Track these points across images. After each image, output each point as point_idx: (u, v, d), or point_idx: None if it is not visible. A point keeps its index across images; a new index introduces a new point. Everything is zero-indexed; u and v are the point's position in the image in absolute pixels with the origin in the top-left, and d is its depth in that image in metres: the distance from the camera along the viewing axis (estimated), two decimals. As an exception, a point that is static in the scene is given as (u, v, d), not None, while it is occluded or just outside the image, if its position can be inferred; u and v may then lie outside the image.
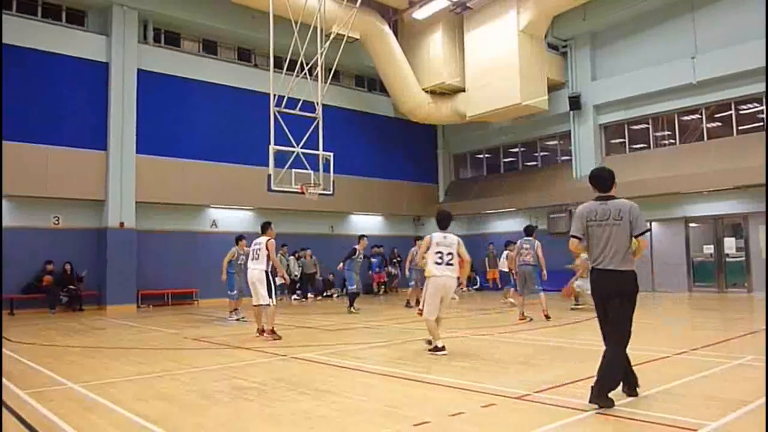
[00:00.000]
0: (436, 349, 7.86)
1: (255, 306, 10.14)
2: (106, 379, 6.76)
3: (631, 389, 5.18)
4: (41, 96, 16.34)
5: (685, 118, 19.09)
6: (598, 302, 5.23)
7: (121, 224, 17.19)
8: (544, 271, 12.29)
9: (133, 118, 17.58)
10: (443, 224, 8.29)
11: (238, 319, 13.22)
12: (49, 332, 11.67)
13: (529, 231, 12.66)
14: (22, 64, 16.08)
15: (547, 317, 11.84)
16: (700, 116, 18.68)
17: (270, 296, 9.86)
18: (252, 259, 10.08)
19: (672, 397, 5.28)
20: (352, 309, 14.77)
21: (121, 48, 17.50)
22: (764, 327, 10.07)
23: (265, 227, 10.40)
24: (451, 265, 7.96)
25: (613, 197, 5.25)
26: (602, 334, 5.26)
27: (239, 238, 13.39)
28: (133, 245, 17.37)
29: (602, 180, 5.34)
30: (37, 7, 16.91)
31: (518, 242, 12.53)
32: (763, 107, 17.26)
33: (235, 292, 13.44)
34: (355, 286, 15.10)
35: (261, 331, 10.09)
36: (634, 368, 5.31)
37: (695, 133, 18.79)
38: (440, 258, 7.95)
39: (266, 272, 9.88)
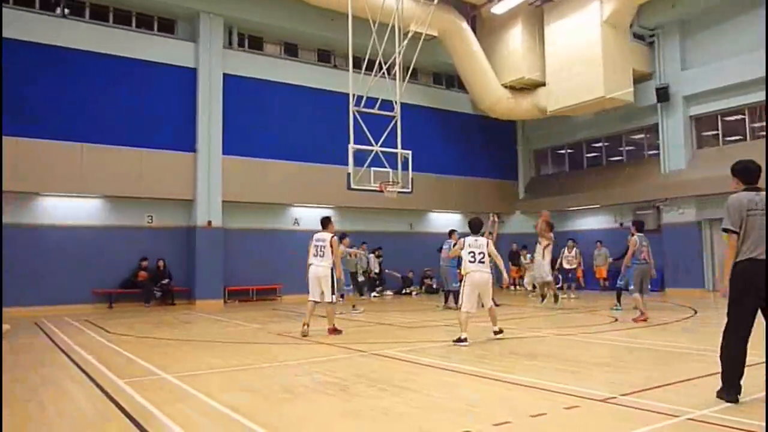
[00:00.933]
0: (459, 340, 8.68)
1: (311, 301, 10.12)
2: (195, 370, 7.08)
3: (732, 395, 4.91)
4: (136, 101, 17.28)
5: (786, 107, 17.85)
6: (753, 296, 4.98)
7: (209, 223, 17.92)
8: (653, 270, 12.12)
9: (219, 120, 18.29)
10: (475, 229, 9.35)
11: (362, 312, 13.95)
12: (144, 325, 12.34)
13: (642, 227, 12.13)
14: (118, 72, 17.05)
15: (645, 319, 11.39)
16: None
17: (333, 293, 9.93)
18: (316, 256, 9.98)
19: (772, 404, 4.96)
20: (448, 305, 14.86)
21: (208, 54, 18.24)
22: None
23: (327, 222, 10.36)
24: (483, 262, 9.01)
25: (760, 188, 5.24)
26: (743, 332, 5.02)
27: (343, 236, 14.14)
28: (220, 243, 18.08)
29: (751, 172, 5.35)
30: (132, 18, 17.90)
31: (635, 238, 11.78)
32: None
33: (351, 286, 14.51)
34: (459, 283, 15.07)
35: (334, 329, 10.04)
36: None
37: (798, 123, 17.55)
38: (473, 257, 8.99)
39: (331, 269, 9.92)
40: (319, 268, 9.93)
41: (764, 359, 5.04)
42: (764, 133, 18.38)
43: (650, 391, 5.42)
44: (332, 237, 10.06)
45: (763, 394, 5.24)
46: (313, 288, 10.02)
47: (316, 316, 10.45)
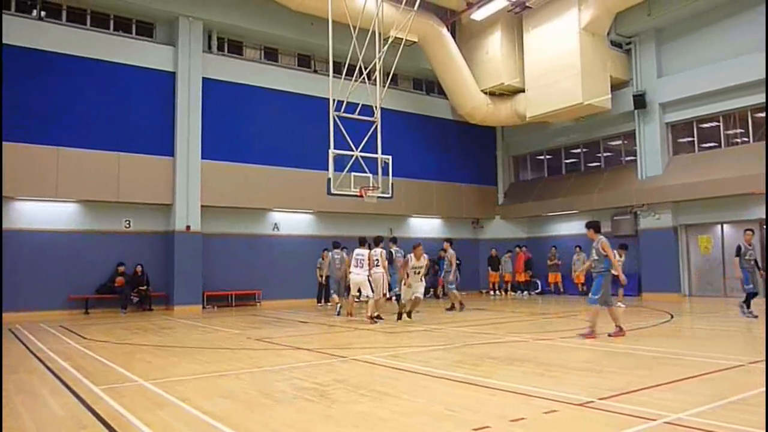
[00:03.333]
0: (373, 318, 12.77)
1: (357, 300, 14.04)
2: (174, 377, 7.01)
3: None
4: (114, 105, 17.10)
5: (759, 114, 18.18)
6: None
7: (188, 227, 17.76)
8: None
9: (198, 124, 18.15)
10: (362, 243, 13.73)
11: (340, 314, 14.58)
12: (121, 331, 12.18)
13: (599, 227, 10.36)
14: (96, 76, 16.87)
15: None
16: (773, 112, 17.78)
17: (371, 292, 12.96)
18: (356, 266, 13.09)
19: (746, 407, 5.05)
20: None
21: (187, 57, 18.11)
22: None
23: (363, 241, 13.84)
24: (362, 266, 13.00)
25: None
26: None
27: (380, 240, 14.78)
28: (198, 248, 17.91)
29: None
30: (110, 21, 17.71)
31: (605, 240, 9.99)
32: None
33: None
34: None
35: (372, 318, 12.83)
36: (705, 377, 5.10)
37: (770, 130, 17.89)
38: (357, 263, 13.09)
39: (367, 277, 13.06)
40: (359, 276, 13.05)
41: (741, 363, 5.11)
42: (739, 140, 18.75)
43: (628, 395, 5.48)
44: (369, 252, 13.23)
45: (738, 397, 5.34)
46: (354, 290, 13.44)
47: (300, 322, 10.37)
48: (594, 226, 10.30)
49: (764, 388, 5.66)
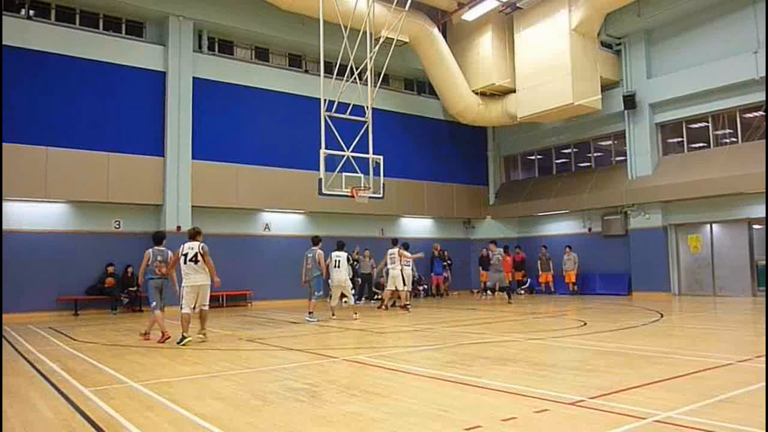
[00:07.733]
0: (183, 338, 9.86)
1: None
2: (164, 378, 6.97)
3: None
4: (103, 105, 17.00)
5: (748, 115, 18.33)
6: None
7: (178, 228, 17.67)
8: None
9: (188, 124, 18.07)
10: (191, 235, 10.64)
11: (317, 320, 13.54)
12: (111, 332, 12.11)
13: (160, 239, 11.07)
14: (85, 75, 16.76)
15: None
16: (763, 113, 17.91)
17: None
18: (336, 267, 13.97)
19: (735, 405, 5.08)
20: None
21: (177, 57, 18.03)
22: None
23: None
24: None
25: None
26: None
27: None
28: (189, 248, 17.78)
29: None
30: (99, 20, 17.60)
31: (149, 252, 10.67)
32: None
33: (321, 293, 14.03)
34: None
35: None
36: (694, 375, 5.13)
37: (758, 131, 18.03)
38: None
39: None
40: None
41: (730, 362, 5.14)
42: (728, 140, 18.88)
43: (618, 394, 5.51)
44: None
45: (728, 395, 5.37)
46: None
47: (292, 323, 10.33)
48: (154, 237, 11.08)
49: (757, 386, 5.71)
